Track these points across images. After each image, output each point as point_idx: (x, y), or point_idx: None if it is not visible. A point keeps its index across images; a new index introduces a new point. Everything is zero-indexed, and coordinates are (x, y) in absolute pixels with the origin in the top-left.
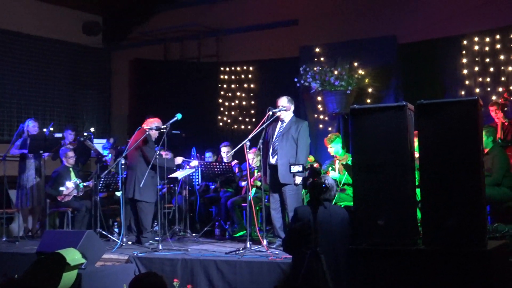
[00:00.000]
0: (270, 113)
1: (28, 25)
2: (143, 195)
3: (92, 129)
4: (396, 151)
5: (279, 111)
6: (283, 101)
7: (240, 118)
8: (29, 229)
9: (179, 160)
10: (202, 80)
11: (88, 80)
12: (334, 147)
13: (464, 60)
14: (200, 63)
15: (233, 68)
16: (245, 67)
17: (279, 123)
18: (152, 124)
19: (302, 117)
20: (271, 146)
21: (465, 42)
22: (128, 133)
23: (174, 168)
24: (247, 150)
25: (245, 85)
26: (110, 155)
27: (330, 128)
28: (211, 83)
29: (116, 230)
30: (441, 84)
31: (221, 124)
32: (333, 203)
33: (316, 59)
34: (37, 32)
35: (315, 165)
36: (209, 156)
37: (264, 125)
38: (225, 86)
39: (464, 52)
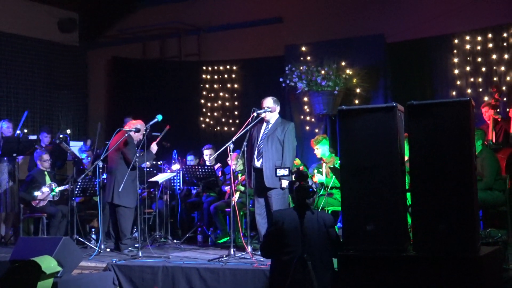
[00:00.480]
0: (255, 114)
1: (0, 22)
2: (123, 199)
3: (68, 131)
4: (385, 153)
5: (264, 112)
6: (268, 101)
7: (223, 120)
8: (1, 235)
9: (154, 147)
10: (183, 80)
11: (64, 79)
12: (321, 149)
13: (455, 60)
14: (181, 62)
15: (215, 68)
16: (228, 67)
17: (264, 124)
18: (133, 127)
19: (288, 118)
20: (256, 148)
21: (456, 41)
22: (106, 136)
23: (155, 158)
24: (231, 153)
25: (228, 85)
26: (87, 158)
27: (317, 130)
28: (192, 83)
29: (93, 236)
30: (432, 84)
31: (203, 125)
32: (319, 208)
33: (302, 58)
34: (10, 29)
35: (301, 167)
36: (190, 159)
37: (249, 126)
38: (207, 86)
39: (455, 51)
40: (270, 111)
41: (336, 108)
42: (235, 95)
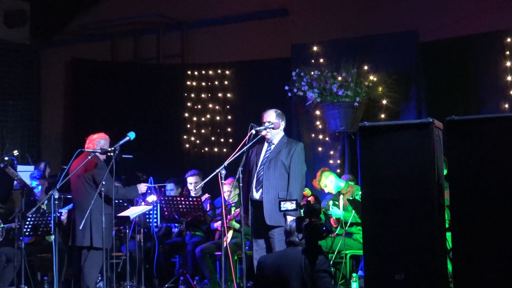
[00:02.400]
0: (253, 132)
1: None
2: (96, 239)
3: (15, 152)
4: (419, 182)
5: (265, 129)
6: (271, 116)
7: (213, 138)
8: None
9: (143, 188)
10: (162, 87)
11: (11, 87)
12: (330, 183)
13: (508, 64)
14: (160, 66)
15: (203, 72)
16: (219, 71)
17: (265, 145)
18: (97, 144)
19: (295, 137)
20: (255, 175)
21: (509, 39)
22: (63, 158)
23: (141, 198)
24: (222, 181)
25: (219, 95)
26: (40, 186)
27: (332, 152)
28: (174, 92)
29: (46, 286)
30: (477, 95)
31: (187, 145)
32: (335, 252)
33: (313, 61)
34: None
35: (310, 198)
36: (171, 188)
37: (245, 148)
38: (192, 95)
39: (507, 52)
40: (273, 128)
41: (357, 124)
42: (227, 107)
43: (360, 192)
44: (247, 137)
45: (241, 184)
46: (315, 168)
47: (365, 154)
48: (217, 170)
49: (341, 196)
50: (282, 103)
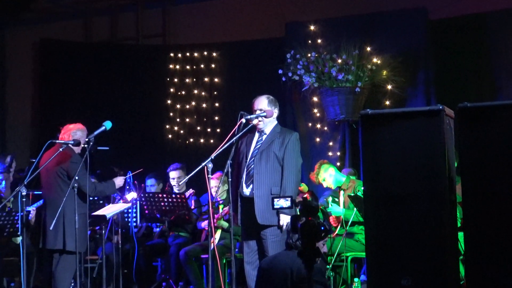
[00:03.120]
0: (243, 120)
1: None
2: (69, 242)
3: None
4: (427, 176)
5: (257, 117)
6: (262, 102)
7: (199, 128)
8: None
9: (120, 181)
10: (141, 71)
11: None
12: (329, 177)
13: None
14: (139, 47)
15: (187, 54)
16: (205, 53)
17: (257, 135)
18: (72, 135)
19: (290, 126)
20: (245, 169)
21: None
22: (31, 150)
23: (118, 195)
24: (209, 176)
25: (206, 79)
26: (3, 182)
27: (331, 143)
28: (155, 76)
29: None
30: (493, 79)
31: (170, 136)
32: (335, 254)
33: (310, 42)
34: None
35: (306, 194)
36: (151, 184)
37: (234, 138)
38: (175, 80)
39: None
40: (265, 116)
41: (359, 112)
42: (215, 93)
43: (362, 188)
44: (237, 126)
45: (230, 179)
46: (312, 161)
47: (368, 145)
48: (203, 164)
49: (341, 192)
50: (276, 89)
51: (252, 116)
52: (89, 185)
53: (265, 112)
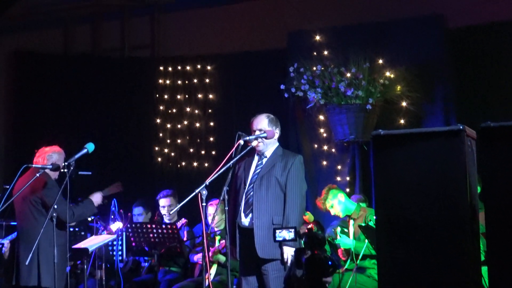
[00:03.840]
0: (241, 142)
1: None
2: (46, 277)
3: None
4: (447, 203)
5: (256, 139)
6: (262, 122)
7: (191, 150)
8: None
9: (97, 198)
10: (128, 87)
11: None
12: (338, 204)
13: None
14: (125, 59)
15: (179, 68)
16: (199, 66)
17: (256, 158)
18: (48, 158)
19: (294, 149)
20: (243, 196)
21: None
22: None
23: (102, 225)
24: (203, 204)
25: (199, 95)
26: None
27: (339, 167)
28: (143, 92)
29: None
30: None
31: (159, 159)
32: None
33: (315, 53)
34: None
35: (311, 224)
36: (139, 213)
37: (232, 162)
38: (165, 96)
39: None
40: (265, 137)
41: (370, 132)
42: (209, 111)
43: (374, 217)
44: (234, 148)
45: (226, 208)
46: (318, 187)
47: (380, 169)
48: (197, 190)
49: (351, 222)
50: (277, 106)
51: (251, 137)
52: (69, 213)
53: (265, 133)
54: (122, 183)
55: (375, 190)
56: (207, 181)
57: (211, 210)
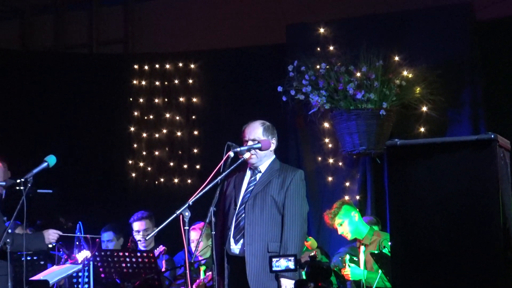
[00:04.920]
0: (231, 154)
1: None
2: None
3: None
4: (476, 227)
5: (248, 150)
6: (256, 130)
7: (171, 164)
8: None
9: (52, 236)
10: (96, 88)
11: None
12: (347, 224)
13: None
14: (93, 56)
15: (157, 66)
16: (180, 64)
17: (248, 173)
18: None
19: (293, 162)
20: (234, 219)
21: None
22: None
23: (65, 253)
24: (186, 228)
25: (181, 99)
26: None
27: (347, 184)
28: (114, 95)
29: None
30: None
31: (133, 175)
32: None
33: (319, 49)
34: None
35: (314, 252)
36: (109, 238)
37: (219, 178)
38: (141, 100)
39: None
40: (260, 149)
41: (384, 142)
42: (193, 117)
43: (389, 243)
44: (222, 162)
45: (213, 232)
46: (322, 207)
47: (396, 186)
48: (178, 212)
49: (362, 248)
50: (274, 112)
51: (242, 148)
52: (6, 237)
53: (259, 143)
54: (89, 205)
55: (390, 211)
56: (190, 201)
57: (194, 235)
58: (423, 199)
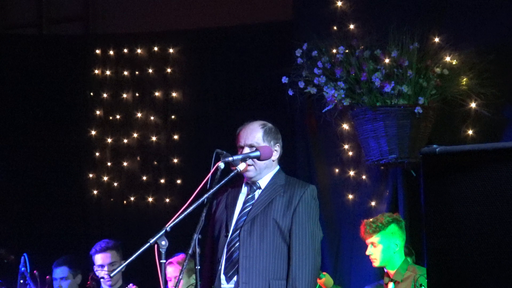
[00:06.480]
0: (221, 165)
1: None
2: None
3: None
4: None
5: (244, 159)
6: (254, 134)
7: (144, 178)
8: None
9: None
10: (47, 78)
11: None
12: (381, 249)
13: None
14: (43, 39)
15: (125, 51)
16: (156, 48)
17: (244, 190)
18: None
19: (303, 175)
20: (225, 249)
21: None
22: None
23: None
24: (162, 261)
25: (157, 93)
26: None
27: (373, 203)
28: (69, 88)
29: None
30: None
31: (95, 192)
32: None
33: (335, 28)
34: None
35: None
36: (63, 275)
37: (206, 195)
38: (105, 95)
39: None
40: (258, 158)
41: (420, 148)
42: (173, 117)
43: (427, 278)
44: (210, 175)
45: (198, 267)
46: (342, 234)
47: (435, 207)
48: (152, 240)
49: (390, 285)
50: (277, 110)
51: (236, 157)
52: None
53: (258, 151)
54: (37, 231)
55: (426, 240)
56: (168, 226)
57: (172, 271)
58: (471, 225)
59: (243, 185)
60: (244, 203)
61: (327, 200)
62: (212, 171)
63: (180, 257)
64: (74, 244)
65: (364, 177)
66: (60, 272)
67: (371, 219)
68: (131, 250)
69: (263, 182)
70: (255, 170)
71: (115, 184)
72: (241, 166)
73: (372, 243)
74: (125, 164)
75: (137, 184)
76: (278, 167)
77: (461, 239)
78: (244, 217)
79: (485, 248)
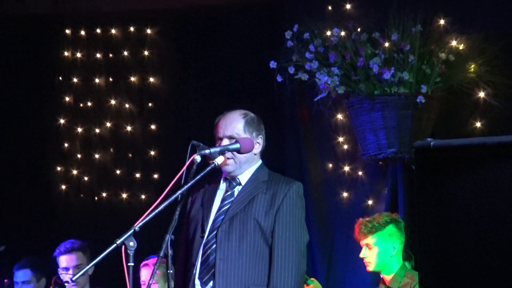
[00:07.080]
0: (197, 158)
1: None
2: None
3: None
4: None
5: (222, 152)
6: (234, 124)
7: (118, 172)
8: None
9: None
10: (11, 62)
11: None
12: (376, 252)
13: None
14: (6, 17)
15: (98, 31)
16: (132, 29)
17: (223, 186)
18: None
19: (291, 171)
20: (200, 251)
21: None
22: None
23: None
24: (130, 263)
25: (132, 79)
26: None
27: (370, 202)
28: (36, 72)
29: None
30: None
31: (63, 187)
32: None
33: (330, 8)
34: None
35: None
36: (25, 279)
37: (180, 191)
38: (75, 80)
39: None
40: (239, 151)
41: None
42: (149, 105)
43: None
44: (184, 169)
45: (170, 271)
46: (335, 236)
47: (429, 207)
48: (119, 241)
49: None
50: (263, 98)
51: (213, 149)
52: None
53: (238, 143)
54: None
55: (418, 242)
56: (137, 226)
57: (146, 274)
58: (469, 227)
59: (222, 181)
60: (222, 200)
61: (319, 199)
62: (186, 164)
63: (151, 260)
64: (38, 245)
65: (360, 173)
66: (22, 275)
67: (367, 218)
68: (99, 251)
69: (244, 177)
70: (235, 164)
71: (86, 178)
72: (219, 160)
73: (367, 245)
74: (96, 156)
75: (109, 178)
76: (260, 162)
77: (458, 243)
78: (222, 216)
79: (483, 250)
